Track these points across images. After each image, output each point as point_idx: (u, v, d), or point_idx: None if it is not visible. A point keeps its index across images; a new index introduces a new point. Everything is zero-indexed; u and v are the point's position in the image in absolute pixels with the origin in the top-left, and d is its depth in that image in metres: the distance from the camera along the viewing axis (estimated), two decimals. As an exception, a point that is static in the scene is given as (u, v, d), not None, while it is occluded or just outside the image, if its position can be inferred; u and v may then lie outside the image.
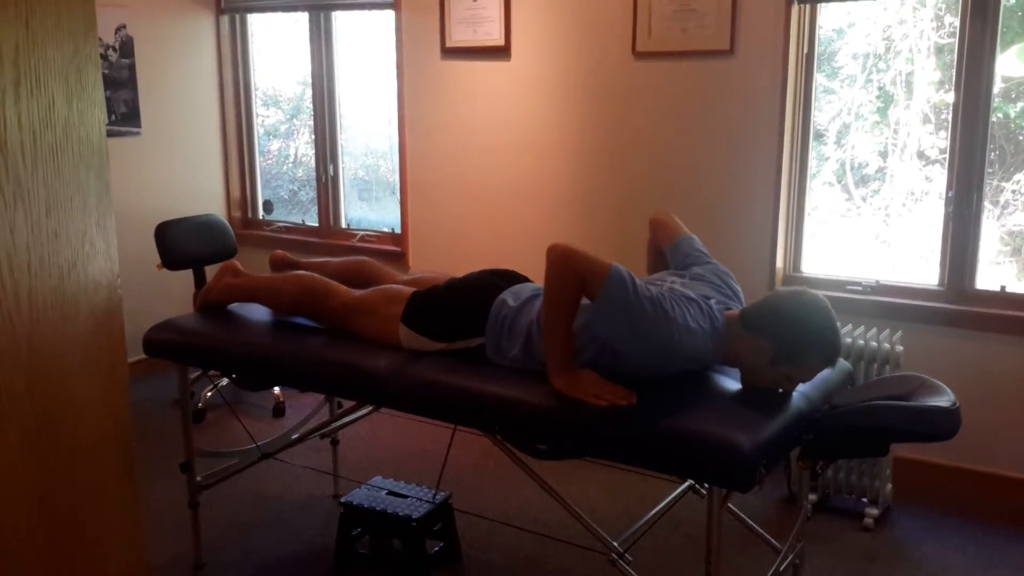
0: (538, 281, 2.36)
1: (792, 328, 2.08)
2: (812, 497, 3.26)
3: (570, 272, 2.05)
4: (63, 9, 1.22)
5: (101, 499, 1.33)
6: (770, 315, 2.11)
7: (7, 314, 1.19)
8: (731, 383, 2.22)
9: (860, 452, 2.39)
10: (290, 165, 5.17)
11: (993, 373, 3.26)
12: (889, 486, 3.24)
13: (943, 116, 3.39)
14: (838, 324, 2.12)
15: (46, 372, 1.24)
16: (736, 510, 2.66)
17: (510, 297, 2.37)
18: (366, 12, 4.46)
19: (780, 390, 2.15)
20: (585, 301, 2.12)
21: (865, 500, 3.21)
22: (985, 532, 3.12)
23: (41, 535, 1.24)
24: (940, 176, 3.40)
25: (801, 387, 2.19)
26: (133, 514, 1.36)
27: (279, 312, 2.75)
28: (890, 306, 3.39)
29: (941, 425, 2.03)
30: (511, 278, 2.50)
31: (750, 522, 2.69)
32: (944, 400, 2.06)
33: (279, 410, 4.22)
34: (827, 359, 2.11)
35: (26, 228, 1.20)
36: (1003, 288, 3.28)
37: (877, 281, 3.46)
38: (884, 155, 3.57)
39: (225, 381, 4.29)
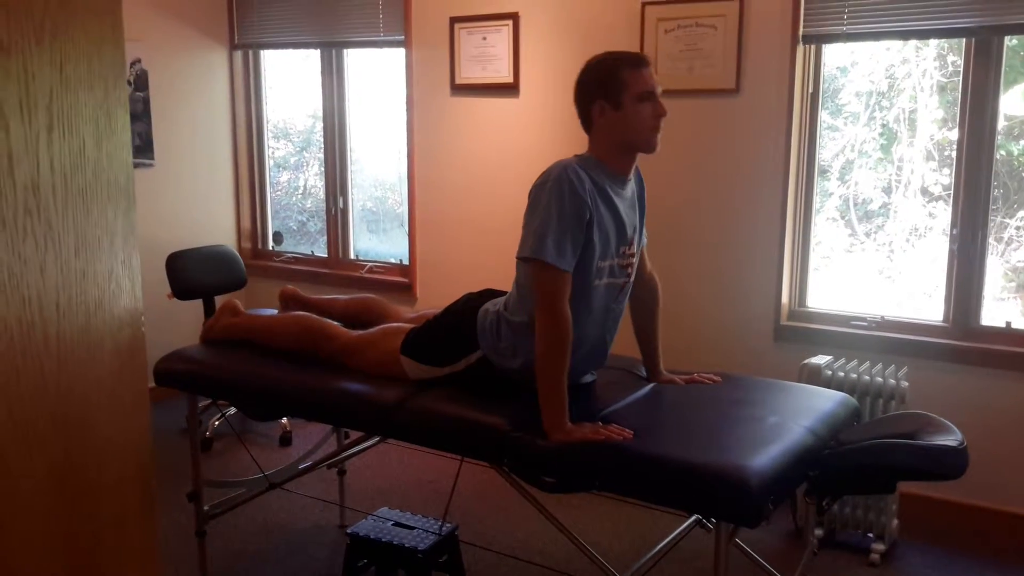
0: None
1: (587, 76, 2.29)
2: (818, 532, 3.26)
3: (561, 316, 2.17)
4: (95, 55, 1.27)
5: (122, 537, 1.34)
6: (577, 95, 2.32)
7: (36, 354, 1.22)
8: (740, 418, 2.24)
9: (866, 489, 2.41)
10: (299, 196, 5.23)
11: (999, 409, 3.26)
12: (895, 522, 3.24)
13: (946, 153, 3.43)
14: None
15: (72, 411, 1.27)
16: (743, 545, 2.67)
17: (490, 305, 2.46)
18: (377, 49, 4.53)
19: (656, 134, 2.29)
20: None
21: (871, 535, 3.21)
22: (993, 569, 3.11)
23: (62, 574, 1.26)
24: (944, 212, 3.43)
25: (806, 423, 2.21)
26: (152, 551, 1.38)
27: (279, 351, 2.77)
28: (895, 342, 3.40)
29: (949, 464, 2.05)
30: (493, 295, 2.56)
31: (757, 557, 2.69)
32: (952, 439, 2.08)
33: (286, 440, 4.24)
34: (626, 58, 2.28)
35: (55, 269, 1.23)
36: (1008, 324, 3.30)
37: (882, 317, 3.48)
38: (888, 191, 3.61)
39: (233, 410, 4.30)
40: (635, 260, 2.44)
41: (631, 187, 2.40)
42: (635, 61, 2.26)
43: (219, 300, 4.18)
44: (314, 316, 2.75)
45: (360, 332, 2.64)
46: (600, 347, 2.42)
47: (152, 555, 1.38)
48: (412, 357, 2.48)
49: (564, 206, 2.19)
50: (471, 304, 2.51)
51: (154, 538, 1.40)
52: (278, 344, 2.74)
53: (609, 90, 2.24)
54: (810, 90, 3.53)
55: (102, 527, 1.32)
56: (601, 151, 2.32)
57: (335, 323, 2.73)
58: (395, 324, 2.65)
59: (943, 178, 3.46)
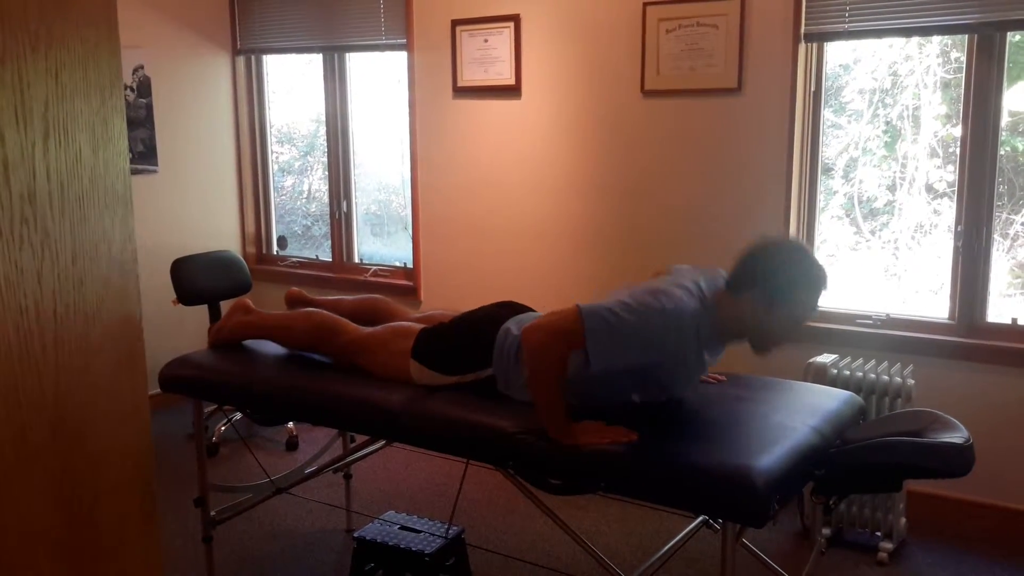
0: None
1: (771, 267, 2.13)
2: (826, 531, 3.25)
3: (554, 348, 2.10)
4: (90, 63, 1.27)
5: (123, 541, 1.35)
6: (748, 267, 2.16)
7: (34, 361, 1.22)
8: (746, 418, 2.23)
9: (873, 488, 2.39)
10: (304, 201, 5.23)
11: (1005, 406, 3.25)
12: (903, 520, 3.22)
13: (951, 150, 3.41)
14: (812, 252, 2.19)
15: (70, 417, 1.27)
16: (750, 545, 2.66)
17: (514, 326, 2.40)
18: (379, 52, 4.54)
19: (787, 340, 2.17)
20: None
21: (879, 534, 3.20)
22: (1002, 567, 3.09)
23: (63, 578, 1.27)
24: (949, 209, 3.42)
25: (812, 422, 2.20)
26: (154, 556, 1.39)
27: (290, 349, 2.78)
28: (901, 340, 3.39)
29: (954, 462, 2.03)
30: (515, 309, 2.54)
31: (764, 557, 2.68)
32: (957, 436, 2.07)
33: (292, 444, 4.24)
34: (815, 282, 2.14)
35: (53, 276, 1.24)
36: (1014, 321, 3.28)
37: (888, 315, 3.47)
38: (892, 189, 3.59)
39: (239, 415, 4.31)
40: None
41: (718, 352, 2.32)
42: (820, 284, 2.13)
43: (224, 305, 4.19)
44: (325, 312, 2.75)
45: (370, 329, 2.64)
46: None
47: (154, 559, 1.38)
48: (422, 362, 2.47)
49: (652, 340, 2.09)
50: (492, 316, 2.48)
51: (156, 542, 1.40)
52: (290, 340, 2.75)
53: (779, 291, 2.10)
54: (812, 88, 3.52)
55: (102, 532, 1.33)
56: (724, 321, 2.19)
57: (345, 320, 2.73)
58: (404, 323, 2.64)
59: (947, 175, 3.45)
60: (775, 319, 2.12)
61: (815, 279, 2.13)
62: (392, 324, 2.65)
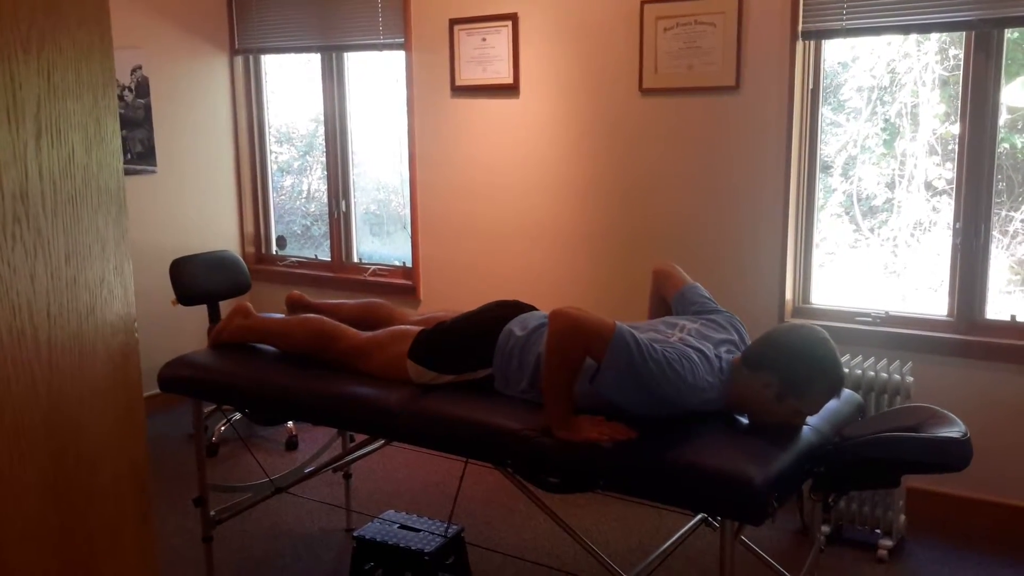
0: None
1: (795, 360, 2.10)
2: (825, 529, 3.24)
3: (575, 340, 2.08)
4: (83, 63, 1.27)
5: (117, 542, 1.35)
6: (772, 350, 2.13)
7: (27, 360, 1.22)
8: (741, 416, 2.23)
9: (872, 484, 2.39)
10: (303, 201, 5.23)
11: (1004, 403, 3.25)
12: (903, 517, 3.22)
13: (949, 147, 3.41)
14: (838, 354, 2.15)
15: (64, 416, 1.27)
16: (749, 543, 2.66)
17: (517, 327, 2.40)
18: (377, 52, 4.54)
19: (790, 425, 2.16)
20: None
21: (879, 531, 3.19)
22: (1001, 563, 3.09)
23: (57, 576, 1.27)
24: (948, 207, 3.42)
25: (811, 419, 2.20)
26: (149, 556, 1.39)
27: (289, 355, 2.78)
28: (900, 337, 3.39)
29: (952, 456, 2.04)
30: (517, 308, 2.53)
31: (763, 555, 2.68)
32: (955, 431, 2.07)
33: (292, 444, 4.24)
34: (832, 388, 2.13)
35: (46, 276, 1.24)
36: (1013, 318, 3.28)
37: (887, 312, 3.47)
38: (891, 186, 3.59)
39: (238, 415, 4.31)
40: None
41: None
42: (835, 389, 2.13)
43: (223, 306, 4.19)
44: (324, 318, 2.76)
45: (369, 334, 2.64)
46: None
47: (150, 561, 1.38)
48: (419, 361, 2.47)
49: (660, 397, 2.07)
50: (494, 316, 2.48)
51: (152, 544, 1.41)
52: (289, 346, 2.75)
53: (793, 385, 2.09)
54: (810, 86, 3.51)
55: (96, 532, 1.33)
56: (733, 391, 2.18)
57: (344, 325, 2.73)
58: (403, 327, 2.64)
59: (946, 172, 3.44)
60: (782, 407, 2.11)
61: (833, 383, 2.12)
62: (391, 328, 2.65)
